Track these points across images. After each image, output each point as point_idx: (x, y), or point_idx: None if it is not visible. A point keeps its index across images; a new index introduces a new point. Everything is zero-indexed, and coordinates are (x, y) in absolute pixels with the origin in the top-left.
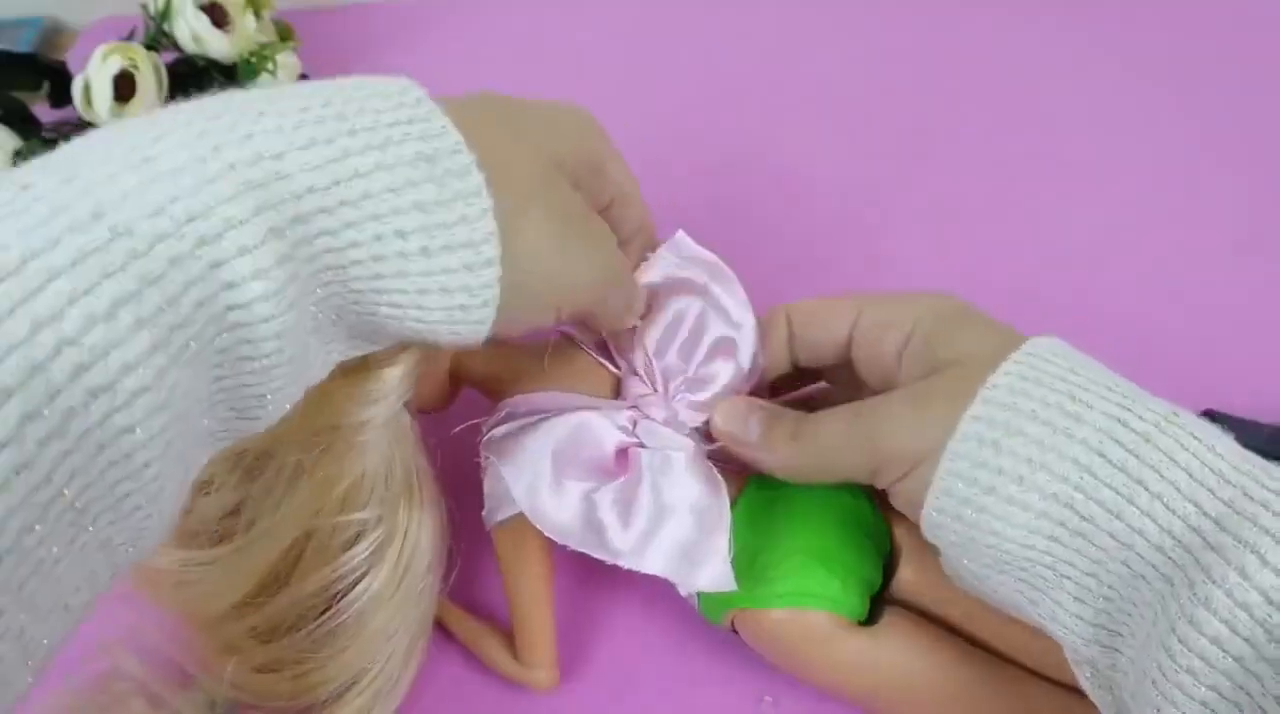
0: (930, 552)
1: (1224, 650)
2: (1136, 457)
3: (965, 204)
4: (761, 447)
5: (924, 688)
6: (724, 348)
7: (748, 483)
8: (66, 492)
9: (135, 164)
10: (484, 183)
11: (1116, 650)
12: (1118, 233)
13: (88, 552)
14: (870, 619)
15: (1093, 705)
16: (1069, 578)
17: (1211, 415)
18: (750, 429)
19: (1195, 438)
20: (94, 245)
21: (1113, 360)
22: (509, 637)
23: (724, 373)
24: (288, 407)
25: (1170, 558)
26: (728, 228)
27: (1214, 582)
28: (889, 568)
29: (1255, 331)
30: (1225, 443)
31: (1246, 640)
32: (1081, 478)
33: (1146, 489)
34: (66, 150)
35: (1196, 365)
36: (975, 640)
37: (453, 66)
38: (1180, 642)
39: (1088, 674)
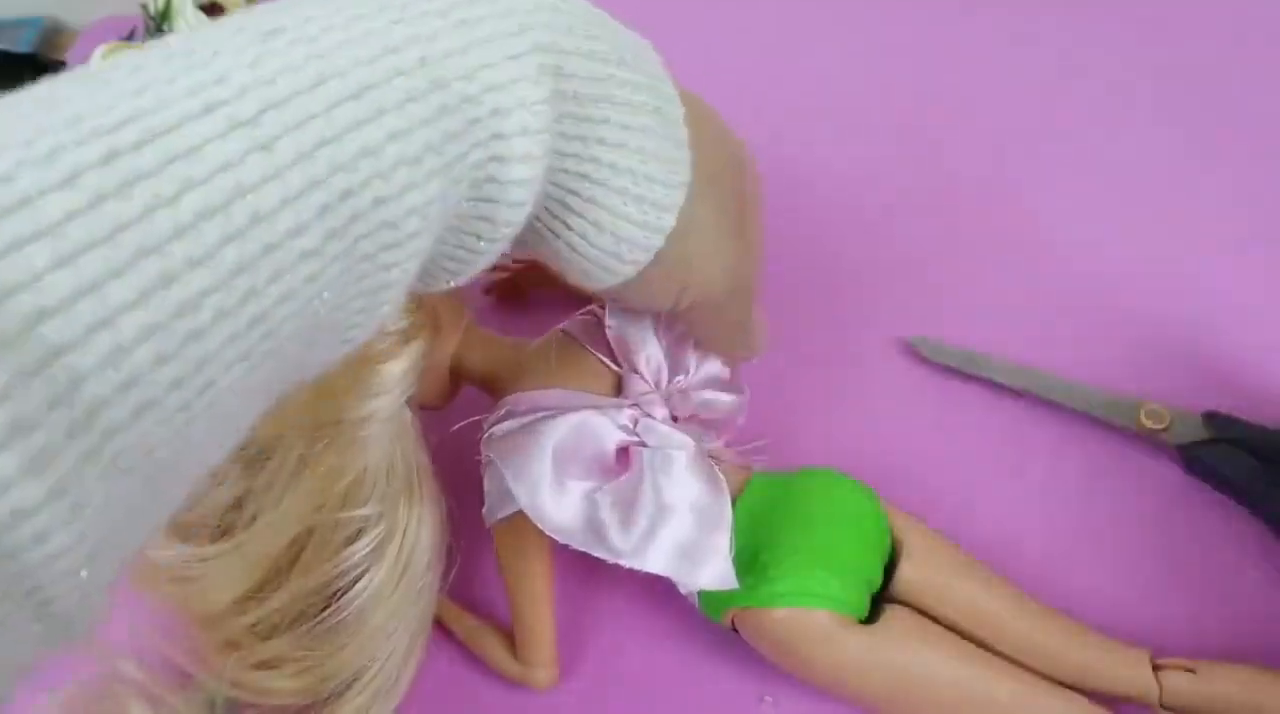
0: (932, 552)
1: None
2: None
3: (965, 201)
4: None
5: (925, 686)
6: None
7: (749, 481)
8: (321, 307)
9: (455, 24)
10: (688, 159)
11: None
12: (1118, 230)
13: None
14: (871, 618)
15: (1096, 706)
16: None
17: (1212, 416)
18: None
19: None
20: (419, 91)
21: (1112, 359)
22: (508, 635)
23: (723, 371)
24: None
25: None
26: None
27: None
28: (889, 566)
29: (1256, 331)
30: None
31: None
32: None
33: None
34: None
35: (1198, 364)
36: (976, 638)
37: None
38: None
39: None
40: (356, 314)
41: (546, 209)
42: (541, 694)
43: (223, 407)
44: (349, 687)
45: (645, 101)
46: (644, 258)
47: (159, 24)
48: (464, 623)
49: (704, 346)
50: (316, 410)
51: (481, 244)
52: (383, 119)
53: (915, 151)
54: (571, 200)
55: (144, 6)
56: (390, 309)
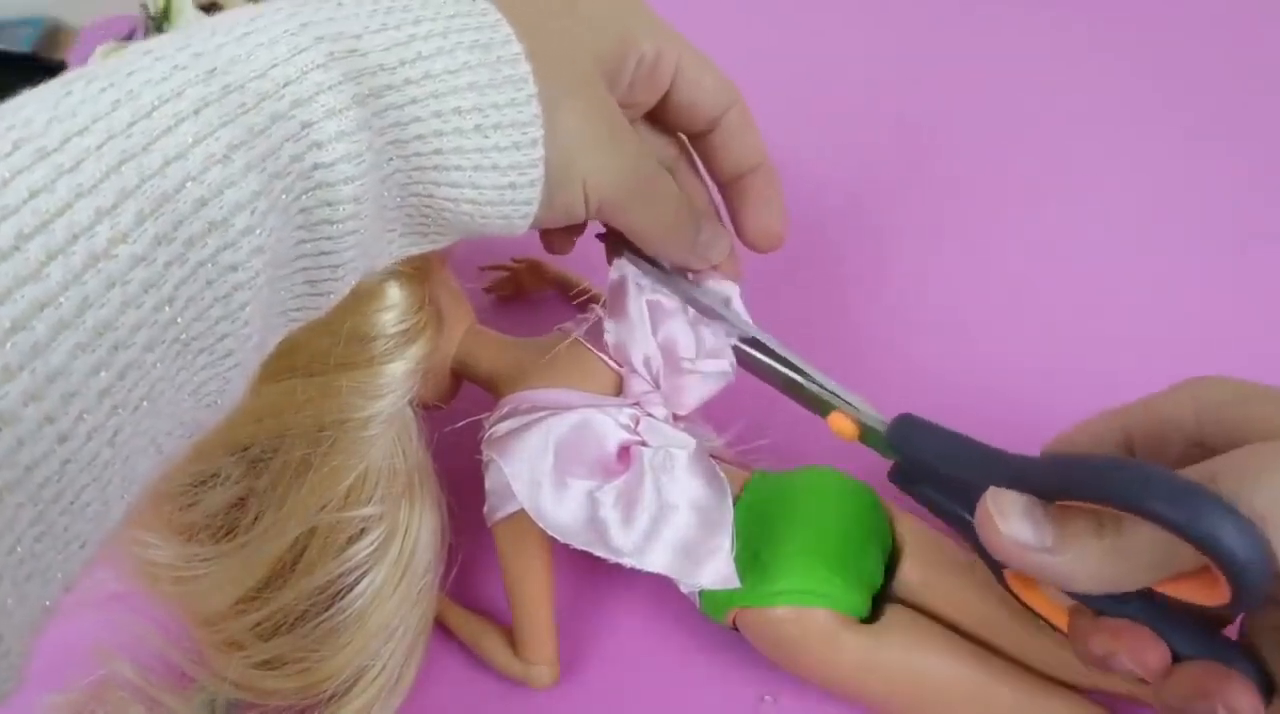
0: (932, 551)
1: None
2: None
3: (964, 201)
4: (1061, 553)
5: (926, 686)
6: (717, 348)
7: (749, 481)
8: (180, 320)
9: (239, 36)
10: (530, 71)
11: None
12: (1118, 230)
13: (183, 393)
14: (872, 617)
15: (1096, 706)
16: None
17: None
18: (1043, 534)
19: None
20: (213, 97)
21: (1112, 357)
22: (509, 634)
23: (723, 370)
24: (353, 283)
25: None
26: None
27: None
28: (890, 566)
29: (1256, 330)
30: None
31: None
32: None
33: None
34: (174, 33)
35: (1198, 364)
36: (977, 638)
37: None
38: None
39: None
40: (220, 323)
41: (419, 188)
42: (542, 693)
43: (104, 428)
44: (351, 687)
45: (459, 41)
46: (533, 193)
47: (159, 24)
48: (465, 622)
49: (658, 257)
50: (320, 410)
51: (332, 241)
52: (181, 126)
53: (912, 152)
54: (436, 174)
55: (144, 6)
56: (253, 326)
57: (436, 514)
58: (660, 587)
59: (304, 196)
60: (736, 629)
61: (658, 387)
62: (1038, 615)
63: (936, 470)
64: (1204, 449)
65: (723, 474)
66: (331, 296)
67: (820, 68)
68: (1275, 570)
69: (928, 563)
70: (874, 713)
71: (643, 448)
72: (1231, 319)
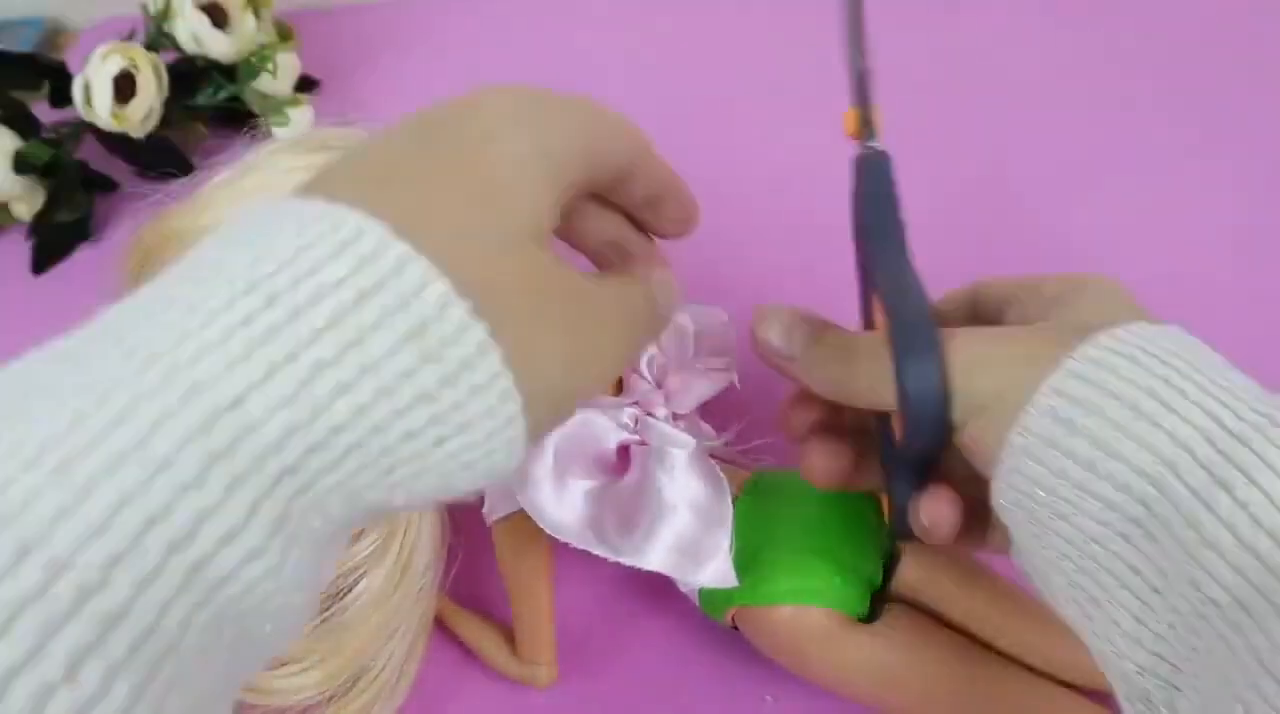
0: (931, 551)
1: None
2: (1225, 456)
3: (964, 201)
4: (802, 363)
5: (924, 685)
6: (719, 345)
7: (749, 480)
8: None
9: (57, 467)
10: (485, 334)
11: (1176, 689)
12: (1118, 230)
13: None
14: (871, 616)
15: (1095, 704)
16: (1130, 589)
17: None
18: (792, 342)
19: None
20: (29, 593)
21: None
22: (509, 634)
23: (722, 371)
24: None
25: (1248, 580)
26: (724, 226)
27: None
28: (890, 565)
29: (1256, 329)
30: None
31: None
32: (1160, 472)
33: (1230, 494)
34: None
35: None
36: (977, 638)
37: (452, 67)
38: (1262, 698)
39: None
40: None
41: (378, 505)
42: (542, 693)
43: None
44: (352, 686)
45: (384, 345)
46: (518, 452)
47: (159, 24)
48: (464, 622)
49: None
50: None
51: (269, 632)
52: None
53: (912, 152)
54: (400, 497)
55: (144, 6)
56: None
57: (435, 514)
58: (661, 586)
59: (227, 629)
60: (735, 628)
61: (659, 386)
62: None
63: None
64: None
65: (722, 474)
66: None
67: (821, 68)
68: (939, 415)
69: (927, 562)
70: (874, 712)
71: (642, 447)
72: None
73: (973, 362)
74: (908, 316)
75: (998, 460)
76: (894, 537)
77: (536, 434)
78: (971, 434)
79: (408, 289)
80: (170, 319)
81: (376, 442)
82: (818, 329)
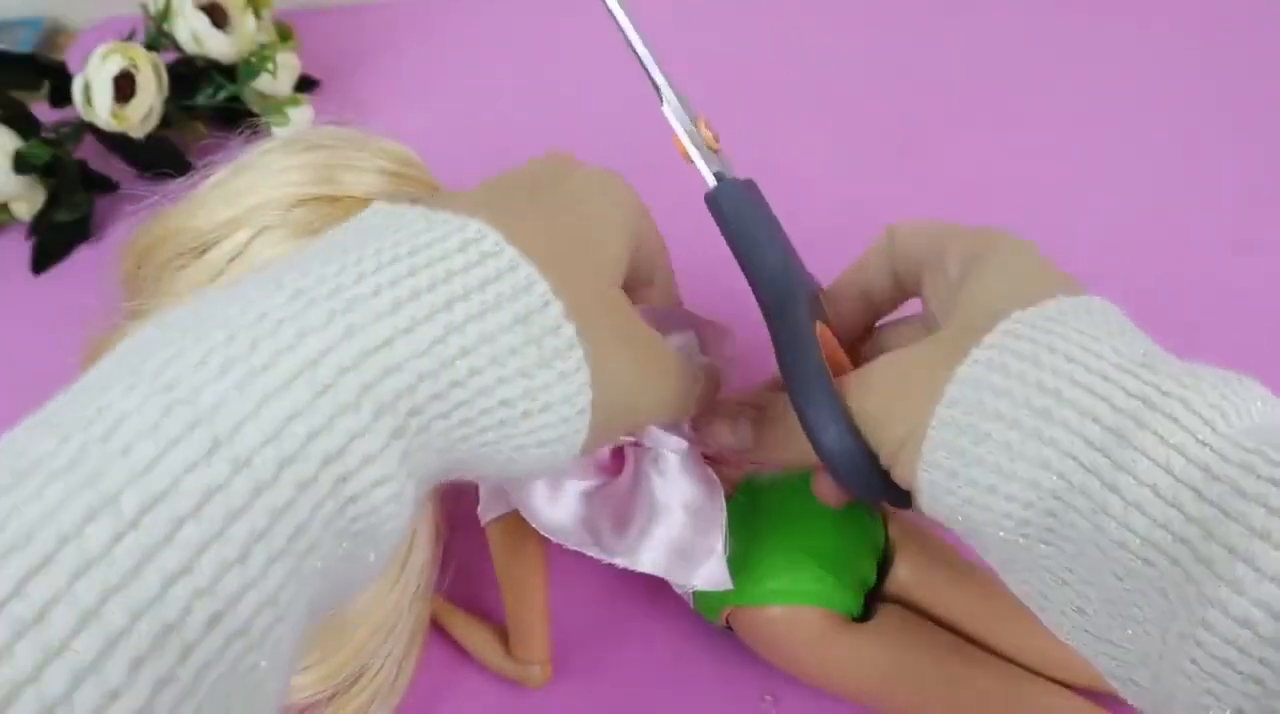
0: (925, 551)
1: (1235, 671)
2: (1108, 457)
3: (964, 201)
4: (754, 452)
5: (918, 684)
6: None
7: (743, 481)
8: None
9: (240, 381)
10: (575, 334)
11: (1130, 664)
12: (1118, 229)
13: None
14: (864, 616)
15: (1090, 703)
16: (1067, 584)
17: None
18: (741, 436)
19: (1181, 421)
20: (218, 482)
21: None
22: (503, 634)
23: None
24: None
25: (1159, 569)
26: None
27: (1208, 601)
28: (883, 565)
29: (1257, 328)
30: (1229, 410)
31: (1259, 659)
32: (1054, 484)
33: (1120, 496)
34: (141, 356)
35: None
36: (970, 637)
37: (452, 67)
38: (1186, 671)
39: (1128, 694)
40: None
41: (453, 466)
42: (538, 692)
43: None
44: (351, 685)
45: (500, 322)
46: (573, 450)
47: (159, 24)
48: (458, 621)
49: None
50: None
51: (368, 563)
52: (181, 533)
53: (912, 153)
54: (476, 459)
55: (144, 6)
56: (275, 703)
57: (431, 514)
58: (657, 586)
59: (341, 546)
60: (730, 629)
61: None
62: None
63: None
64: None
65: (717, 476)
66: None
67: (820, 70)
68: (859, 468)
69: (920, 562)
70: (869, 711)
71: (636, 449)
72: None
73: (875, 408)
74: (801, 384)
75: (917, 494)
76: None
77: (593, 438)
78: (898, 474)
79: (520, 283)
80: (325, 274)
81: (481, 402)
82: (758, 410)
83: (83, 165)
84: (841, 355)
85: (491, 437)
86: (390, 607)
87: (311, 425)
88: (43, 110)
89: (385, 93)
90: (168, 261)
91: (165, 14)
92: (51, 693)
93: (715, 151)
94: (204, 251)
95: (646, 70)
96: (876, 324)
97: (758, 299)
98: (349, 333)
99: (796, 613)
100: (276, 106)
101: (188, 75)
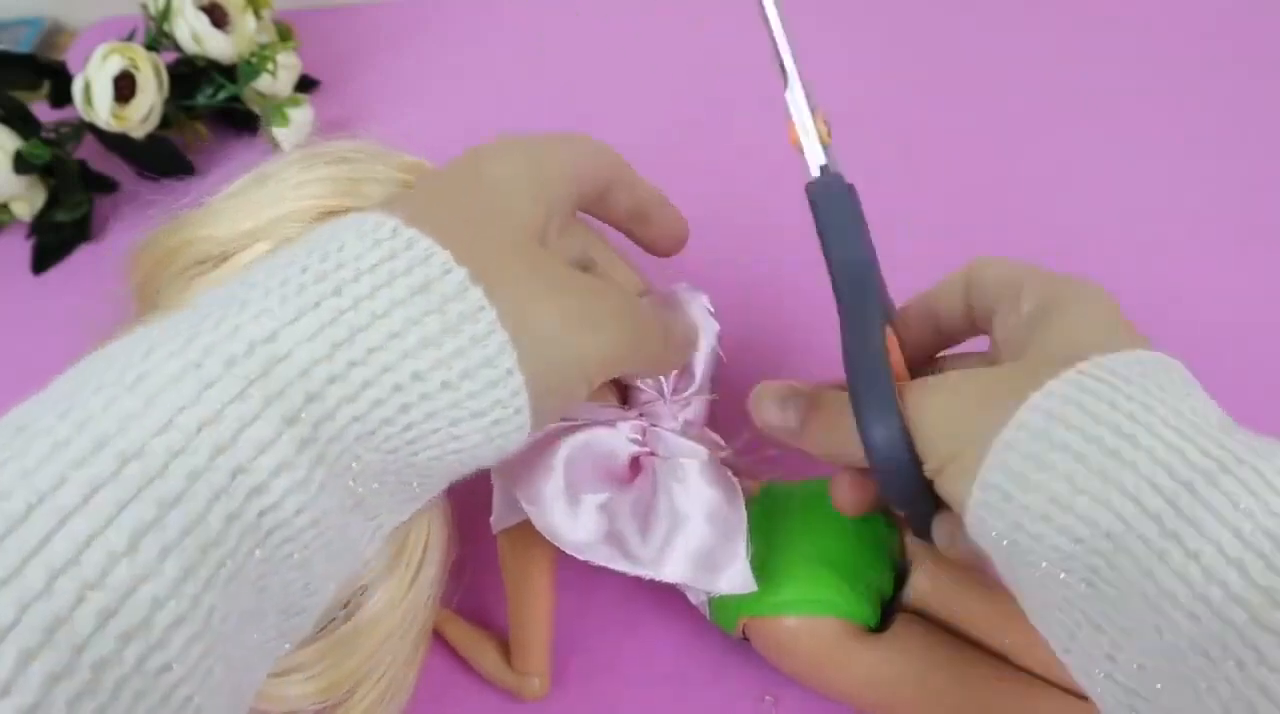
0: (943, 561)
1: None
2: (1173, 506)
3: (965, 201)
4: (801, 434)
5: (935, 696)
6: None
7: (759, 490)
8: None
9: (130, 384)
10: (483, 296)
11: None
12: (1118, 229)
13: None
14: (882, 627)
15: None
16: (1100, 629)
17: (833, 175)
18: (788, 415)
19: (1253, 488)
20: (103, 476)
21: None
22: (502, 644)
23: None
24: (333, 590)
25: (1205, 629)
26: (726, 226)
27: (1267, 666)
28: (901, 576)
29: (1256, 329)
30: None
31: None
32: (1112, 525)
33: (1181, 545)
34: (56, 387)
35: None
36: (987, 648)
37: (452, 67)
38: None
39: None
40: None
41: (396, 463)
42: (541, 702)
43: None
44: (352, 694)
45: (393, 298)
46: (522, 418)
47: (159, 24)
48: (459, 631)
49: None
50: None
51: (301, 569)
52: (68, 526)
53: (913, 154)
54: (413, 446)
55: (144, 6)
56: (210, 704)
57: (445, 527)
58: (663, 594)
59: (256, 550)
60: (746, 639)
61: (663, 396)
62: None
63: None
64: (975, 324)
65: (735, 481)
66: (309, 613)
67: (821, 68)
68: (904, 472)
69: (939, 574)
70: None
71: (653, 458)
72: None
73: (935, 416)
74: (863, 377)
75: (964, 511)
76: (918, 535)
77: (541, 399)
78: (942, 486)
79: (417, 257)
80: (231, 289)
81: (388, 379)
82: (814, 397)
83: (83, 165)
84: (903, 370)
85: (418, 415)
86: (400, 618)
87: (200, 417)
88: (43, 110)
89: (385, 93)
90: (184, 269)
91: (165, 14)
92: None
93: (825, 146)
94: (223, 260)
95: (779, 53)
96: (939, 354)
97: (836, 293)
98: (236, 330)
99: (814, 623)
100: (276, 107)
101: (188, 75)
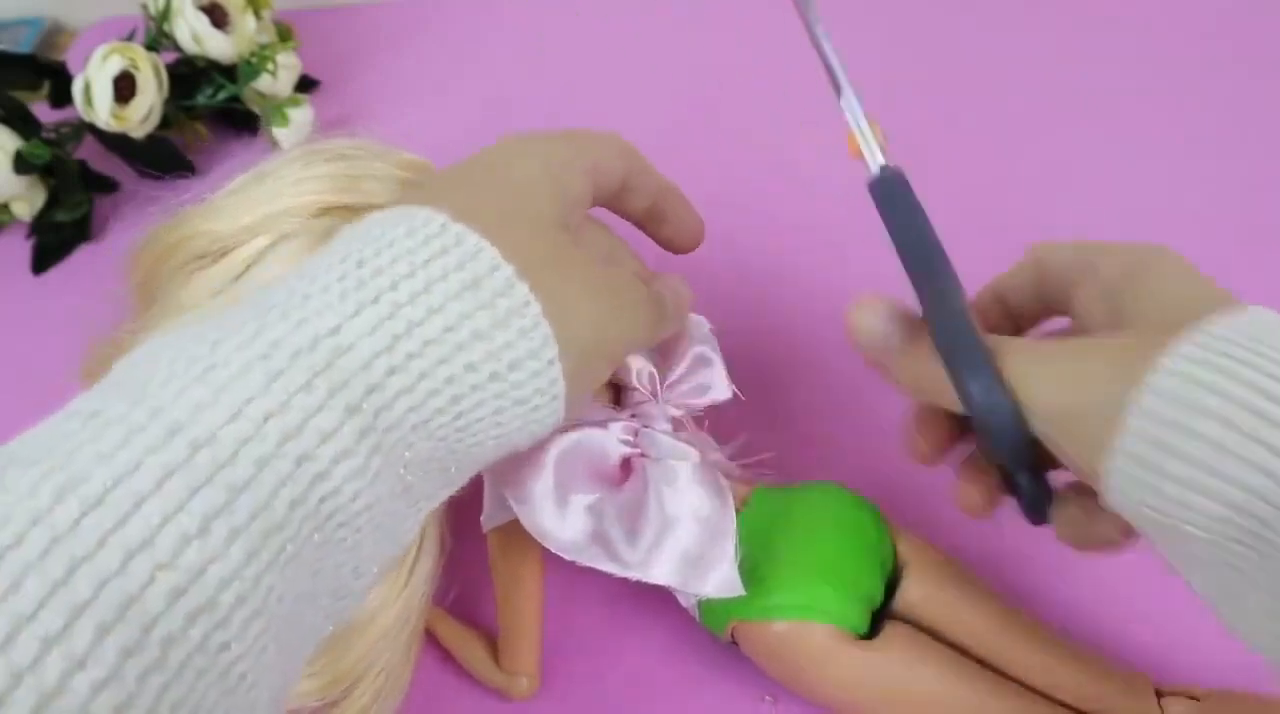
0: (935, 569)
1: None
2: None
3: (965, 201)
4: (896, 358)
5: (923, 703)
6: (703, 360)
7: (752, 495)
8: None
9: (199, 375)
10: (529, 292)
11: None
12: (1118, 229)
13: None
14: (871, 634)
15: None
16: (1260, 588)
17: (893, 171)
18: (890, 334)
19: None
20: (177, 461)
21: None
22: (491, 644)
23: (713, 381)
24: (376, 574)
25: None
26: (729, 224)
27: None
28: (891, 583)
29: None
30: None
31: None
32: (1266, 486)
33: None
34: (123, 371)
35: None
36: (976, 657)
37: (452, 66)
38: None
39: None
40: (221, 702)
41: (441, 451)
42: (536, 700)
43: None
44: (353, 689)
45: (446, 292)
46: (558, 405)
47: (159, 24)
48: (449, 629)
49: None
50: None
51: (351, 552)
52: (143, 509)
53: (913, 154)
54: (460, 434)
55: (144, 6)
56: (262, 684)
57: (438, 524)
58: (656, 594)
59: (315, 534)
60: (735, 643)
61: (655, 397)
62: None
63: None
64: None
65: (726, 484)
66: (355, 597)
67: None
68: (1010, 428)
69: (929, 581)
70: None
71: (644, 460)
72: None
73: (1045, 378)
74: (954, 335)
75: (1097, 479)
76: (1030, 519)
77: (573, 386)
78: (1064, 452)
79: (467, 254)
80: (291, 284)
81: (443, 371)
82: (918, 326)
83: (83, 165)
84: None
85: (468, 404)
86: (395, 615)
87: (268, 407)
88: (43, 110)
89: (385, 93)
90: (184, 264)
91: (165, 14)
92: (20, 661)
93: (883, 150)
94: (222, 255)
95: (829, 65)
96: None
97: (913, 277)
98: (301, 324)
99: (803, 628)
100: (276, 107)
101: (188, 75)
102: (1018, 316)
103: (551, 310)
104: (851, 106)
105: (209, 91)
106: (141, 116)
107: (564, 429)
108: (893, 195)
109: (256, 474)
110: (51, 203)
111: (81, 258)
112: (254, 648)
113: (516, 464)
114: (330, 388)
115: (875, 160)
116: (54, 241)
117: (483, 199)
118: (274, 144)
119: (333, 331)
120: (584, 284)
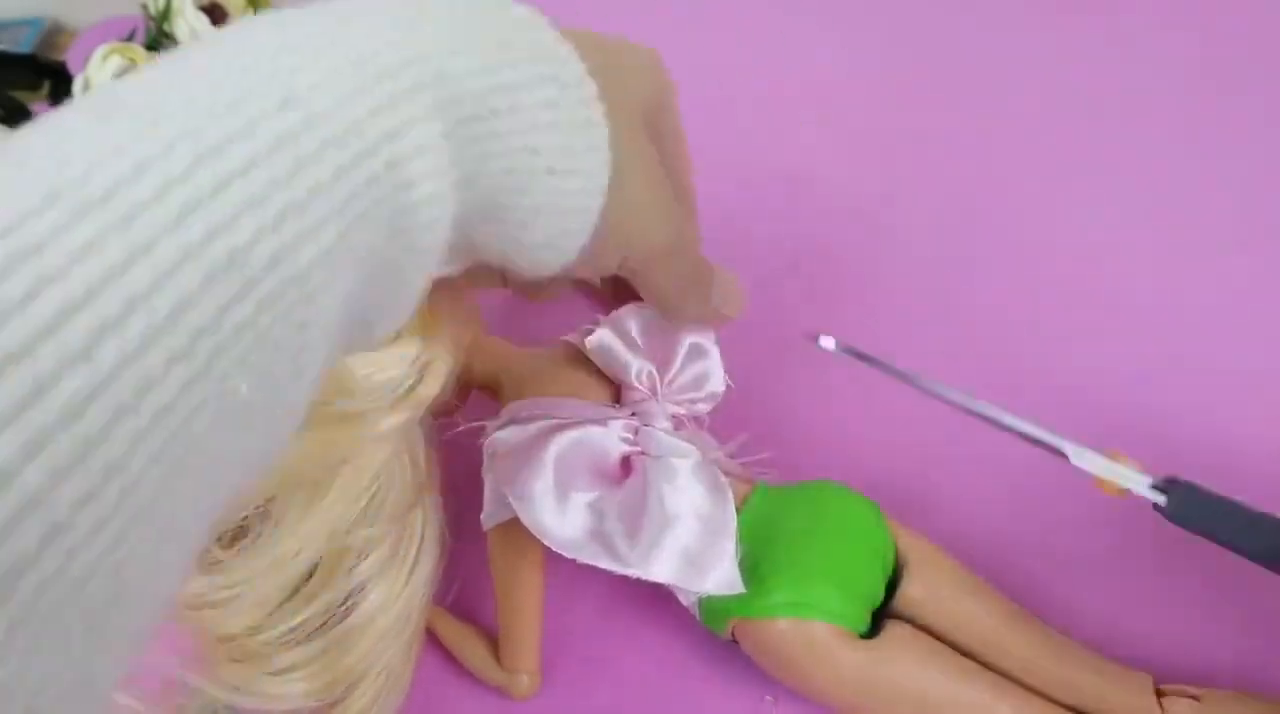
0: (935, 568)
1: None
2: None
3: (965, 201)
4: None
5: (924, 703)
6: (699, 351)
7: (752, 493)
8: (244, 390)
9: (313, 56)
10: (605, 116)
11: None
12: (1118, 229)
13: (234, 463)
14: (871, 633)
15: None
16: None
17: (1173, 483)
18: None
19: None
20: (291, 132)
21: (1103, 360)
22: (492, 642)
23: (710, 370)
24: (413, 298)
25: None
26: (727, 225)
27: None
28: (892, 582)
29: (1255, 329)
30: None
31: None
32: None
33: None
34: (225, 45)
35: (1195, 363)
36: (976, 657)
37: None
38: None
39: None
40: (284, 385)
41: (479, 214)
42: (538, 699)
43: (156, 519)
44: (354, 688)
45: (541, 73)
46: (578, 243)
47: (159, 24)
48: (449, 628)
49: (667, 316)
50: (327, 453)
51: (408, 275)
52: (255, 171)
53: (913, 154)
54: (502, 197)
55: (144, 6)
56: (314, 372)
57: (438, 523)
58: (657, 593)
59: (385, 226)
60: (735, 641)
61: (655, 396)
62: None
63: (1214, 536)
64: None
65: (726, 482)
66: (379, 329)
67: (823, 68)
68: None
69: (930, 580)
70: None
71: (644, 458)
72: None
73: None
74: None
75: None
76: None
77: (594, 242)
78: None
79: (561, 57)
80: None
81: (516, 140)
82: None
83: None
84: None
85: (516, 183)
86: (395, 615)
87: (376, 101)
88: (43, 110)
89: None
90: None
91: (165, 14)
92: (137, 288)
93: (1140, 469)
94: None
95: (1037, 440)
96: None
97: (1266, 566)
98: (410, 33)
99: (804, 627)
100: None
101: None
102: None
103: (616, 162)
104: (1089, 460)
105: None
106: None
107: (564, 427)
108: (1192, 510)
109: (355, 163)
110: None
111: None
112: (323, 335)
113: (516, 462)
114: (433, 105)
115: (1145, 488)
116: None
117: (592, 47)
118: None
119: (451, 52)
120: (649, 173)
